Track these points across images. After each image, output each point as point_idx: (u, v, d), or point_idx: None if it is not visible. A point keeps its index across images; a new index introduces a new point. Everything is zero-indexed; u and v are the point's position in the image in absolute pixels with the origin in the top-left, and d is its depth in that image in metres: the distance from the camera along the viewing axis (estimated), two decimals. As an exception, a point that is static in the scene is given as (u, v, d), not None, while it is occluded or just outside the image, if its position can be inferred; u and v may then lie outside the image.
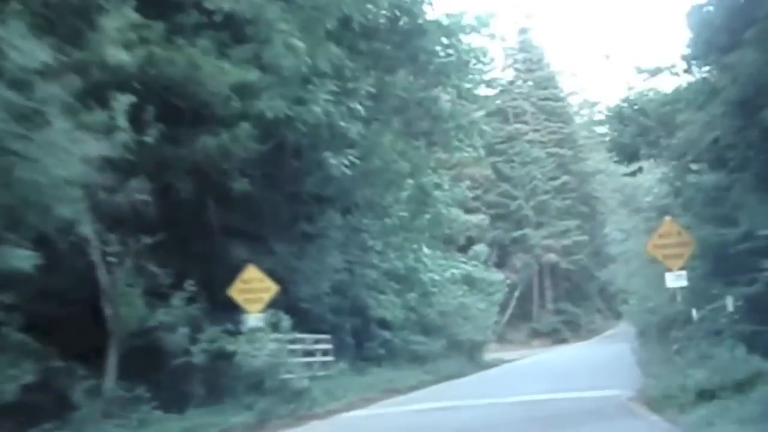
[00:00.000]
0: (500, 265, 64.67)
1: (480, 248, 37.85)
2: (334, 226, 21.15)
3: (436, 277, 29.45)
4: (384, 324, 25.16)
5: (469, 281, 33.91)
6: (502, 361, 37.05)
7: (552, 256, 63.98)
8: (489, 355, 39.02)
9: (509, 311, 63.23)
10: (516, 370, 30.08)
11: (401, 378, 23.18)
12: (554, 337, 63.36)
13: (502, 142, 68.38)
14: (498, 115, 70.38)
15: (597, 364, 27.22)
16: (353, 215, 24.61)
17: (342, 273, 22.14)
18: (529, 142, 66.90)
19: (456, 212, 31.07)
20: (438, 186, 28.07)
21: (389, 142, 23.22)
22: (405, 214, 27.10)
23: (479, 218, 62.11)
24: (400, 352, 26.21)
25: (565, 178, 66.93)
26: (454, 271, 32.73)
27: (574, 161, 69.39)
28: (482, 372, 29.42)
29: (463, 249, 38.64)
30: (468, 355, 31.38)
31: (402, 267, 26.89)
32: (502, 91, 70.08)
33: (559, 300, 66.40)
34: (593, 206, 69.92)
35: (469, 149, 27.98)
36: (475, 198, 63.66)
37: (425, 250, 29.18)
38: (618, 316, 79.15)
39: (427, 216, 27.60)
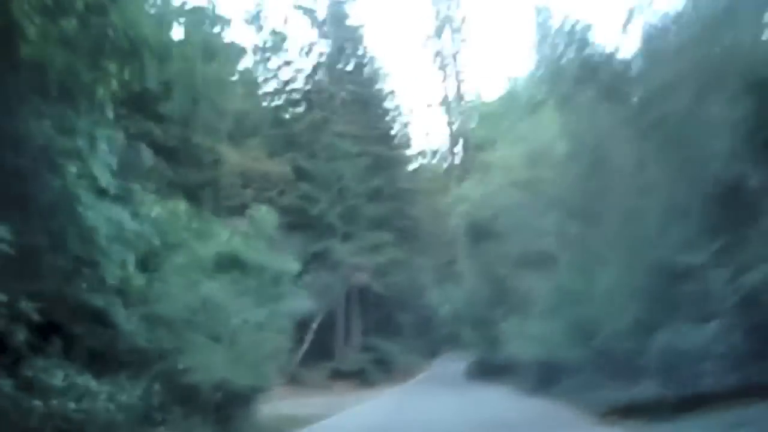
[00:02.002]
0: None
1: (264, 213, 20.20)
2: None
3: (128, 222, 11.47)
4: None
5: (235, 266, 16.29)
6: (294, 424, 19.51)
7: (362, 276, 47.40)
8: (272, 409, 21.41)
9: (305, 346, 45.87)
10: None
11: None
12: (360, 379, 46.46)
13: (304, 133, 51.98)
14: (302, 104, 54.23)
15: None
16: None
17: None
18: (339, 135, 50.68)
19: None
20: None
21: None
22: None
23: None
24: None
25: (380, 181, 51.17)
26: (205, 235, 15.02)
27: (391, 164, 54.09)
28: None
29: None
30: (218, 417, 13.56)
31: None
32: (307, 76, 53.91)
33: (369, 333, 49.87)
34: (414, 220, 54.93)
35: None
36: (267, 201, 46.26)
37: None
38: (433, 354, 64.72)
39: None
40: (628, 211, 13.39)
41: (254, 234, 18.11)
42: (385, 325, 50.89)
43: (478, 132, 38.26)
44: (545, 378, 19.52)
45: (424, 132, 63.43)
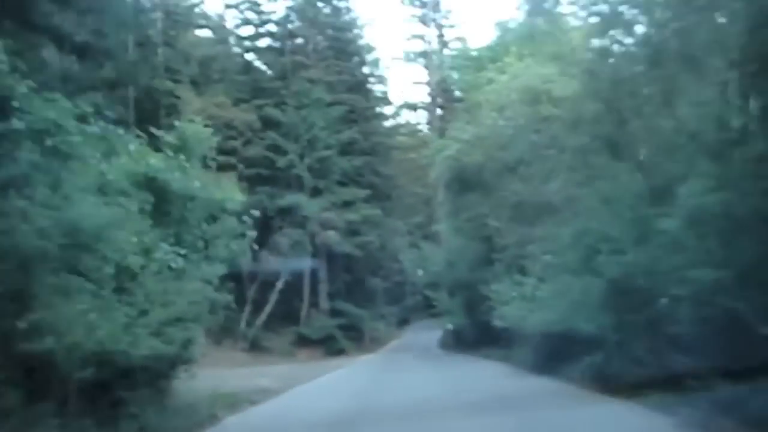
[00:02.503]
0: (259, 244, 42.45)
1: (194, 127, 15.12)
2: None
3: None
4: None
5: (151, 190, 11.45)
6: (232, 405, 14.87)
7: (331, 235, 42.59)
8: (218, 382, 16.91)
9: (268, 308, 41.18)
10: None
11: None
12: (328, 346, 41.99)
13: (274, 79, 46.87)
14: (273, 49, 48.84)
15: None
16: None
17: None
18: (311, 81, 45.54)
19: None
20: None
21: None
22: None
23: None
24: None
25: (354, 134, 46.09)
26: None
27: (366, 117, 49.09)
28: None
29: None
30: (92, 403, 8.83)
31: None
32: (280, 20, 48.40)
33: (337, 297, 45.24)
34: (389, 178, 50.04)
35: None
36: (231, 152, 41.20)
37: None
38: (403, 322, 60.40)
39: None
40: (703, 117, 8.75)
41: (184, 153, 13.20)
42: (354, 289, 46.29)
43: (463, 78, 33.34)
44: (555, 353, 14.92)
45: (404, 85, 58.43)
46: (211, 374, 27.45)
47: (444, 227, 37.56)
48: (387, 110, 53.72)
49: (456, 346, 34.61)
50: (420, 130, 54.56)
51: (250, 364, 35.84)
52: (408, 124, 56.27)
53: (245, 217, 13.71)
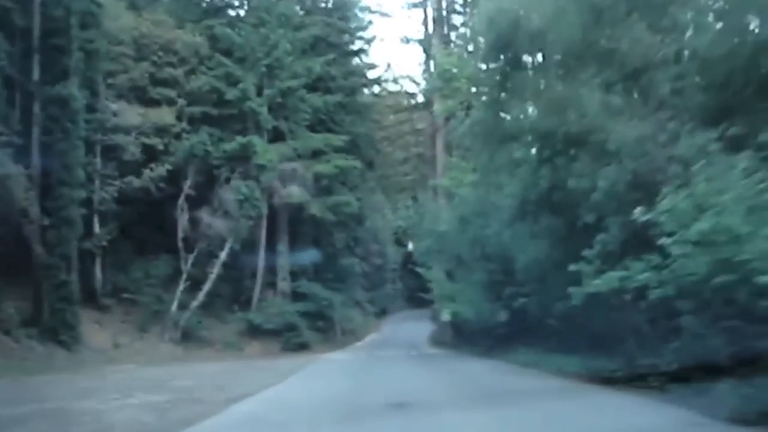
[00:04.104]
0: (199, 201, 30.89)
1: None
2: None
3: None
4: None
5: None
6: None
7: (295, 192, 30.85)
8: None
9: (208, 286, 29.53)
10: None
11: None
12: (286, 339, 30.39)
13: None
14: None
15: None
16: None
17: None
18: (277, -4, 33.90)
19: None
20: None
21: None
22: None
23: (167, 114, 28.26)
24: None
25: (329, 66, 34.32)
26: None
27: (345, 48, 37.52)
28: None
29: None
30: None
31: None
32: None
33: (301, 276, 33.62)
34: (367, 137, 38.43)
35: None
36: (170, 83, 29.60)
37: None
38: (382, 312, 49.03)
39: None
40: None
41: None
42: (324, 266, 34.59)
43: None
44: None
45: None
46: (81, 381, 16.05)
47: (448, 181, 26.15)
48: (371, 40, 42.16)
49: (458, 346, 23.35)
50: (413, 98, 42.89)
51: (173, 361, 24.69)
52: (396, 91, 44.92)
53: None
